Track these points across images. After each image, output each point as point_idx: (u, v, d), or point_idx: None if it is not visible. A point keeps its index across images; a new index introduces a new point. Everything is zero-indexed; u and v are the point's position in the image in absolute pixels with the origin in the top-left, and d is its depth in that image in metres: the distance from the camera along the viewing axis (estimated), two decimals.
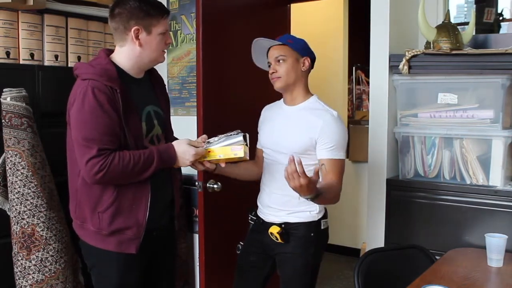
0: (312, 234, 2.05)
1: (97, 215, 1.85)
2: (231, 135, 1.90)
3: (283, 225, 2.05)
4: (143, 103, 1.93)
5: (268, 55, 2.09)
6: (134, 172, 1.78)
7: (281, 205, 2.07)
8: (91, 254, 1.95)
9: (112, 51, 1.94)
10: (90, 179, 1.77)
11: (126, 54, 1.88)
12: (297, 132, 2.02)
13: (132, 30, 1.83)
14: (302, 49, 2.07)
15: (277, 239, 2.04)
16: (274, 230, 2.04)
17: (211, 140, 1.93)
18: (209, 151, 1.91)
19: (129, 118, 1.82)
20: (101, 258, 1.92)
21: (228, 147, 1.88)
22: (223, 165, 1.95)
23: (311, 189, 1.72)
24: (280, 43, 2.04)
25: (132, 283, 1.95)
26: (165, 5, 2.95)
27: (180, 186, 2.24)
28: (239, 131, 1.91)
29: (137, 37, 1.84)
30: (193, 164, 1.92)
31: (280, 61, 2.03)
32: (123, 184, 1.83)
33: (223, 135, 1.92)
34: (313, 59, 2.12)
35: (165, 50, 1.95)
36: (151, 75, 2.04)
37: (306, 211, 2.05)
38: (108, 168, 1.74)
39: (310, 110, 2.05)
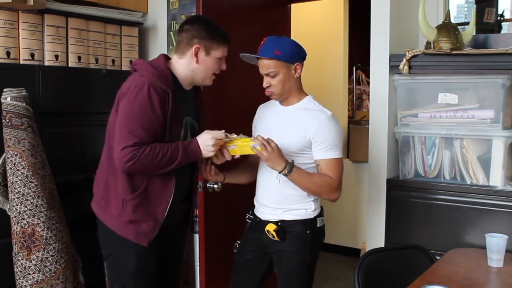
0: (308, 232, 2.06)
1: (122, 202, 1.95)
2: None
3: (279, 223, 2.06)
4: (185, 112, 2.04)
5: (259, 64, 2.06)
6: (161, 163, 1.88)
7: (276, 203, 2.08)
8: (110, 241, 2.02)
9: (169, 57, 2.09)
10: (120, 165, 1.87)
11: (183, 66, 2.02)
12: (292, 132, 2.03)
13: (194, 47, 1.98)
14: (291, 57, 2.02)
15: (273, 237, 2.05)
16: (271, 228, 2.05)
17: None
18: (231, 140, 1.97)
19: (172, 122, 1.94)
20: (121, 245, 1.99)
21: (248, 138, 1.95)
22: (237, 156, 1.99)
23: (281, 155, 1.93)
24: (267, 57, 2.00)
25: (148, 271, 2.03)
26: (168, 7, 2.98)
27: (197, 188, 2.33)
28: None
29: (196, 54, 1.99)
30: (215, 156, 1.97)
31: (271, 75, 2.02)
32: (152, 175, 1.93)
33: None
34: (303, 58, 2.08)
35: (215, 75, 2.07)
36: (196, 91, 2.17)
37: (302, 209, 2.06)
38: (138, 157, 1.84)
39: (305, 110, 2.06)
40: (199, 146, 1.93)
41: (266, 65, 2.02)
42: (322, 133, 1.99)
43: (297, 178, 1.98)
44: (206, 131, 1.96)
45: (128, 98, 1.88)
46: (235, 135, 1.98)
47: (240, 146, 1.96)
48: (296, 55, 2.04)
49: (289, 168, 1.95)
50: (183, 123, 2.04)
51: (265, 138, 1.91)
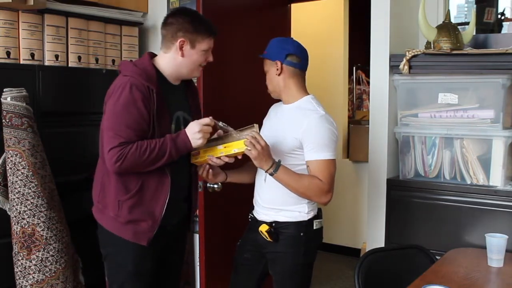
0: (301, 234, 2.04)
1: (117, 203, 1.95)
2: (245, 128, 1.95)
3: (273, 224, 2.06)
4: (175, 107, 2.04)
5: None
6: (149, 159, 1.87)
7: (270, 204, 2.08)
8: (109, 242, 2.02)
9: (155, 54, 2.07)
10: (110, 166, 1.87)
11: (168, 61, 2.01)
12: (286, 132, 2.03)
13: (178, 41, 1.96)
14: (272, 54, 2.06)
15: (266, 237, 2.05)
16: (263, 228, 2.05)
17: (229, 130, 1.97)
18: (225, 146, 1.95)
19: (161, 118, 1.93)
20: (118, 246, 1.99)
21: (241, 141, 1.91)
22: (239, 157, 1.99)
23: (269, 154, 1.92)
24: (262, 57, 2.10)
25: (146, 273, 2.03)
26: (168, 6, 2.98)
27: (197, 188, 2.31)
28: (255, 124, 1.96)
29: (181, 48, 1.97)
30: (211, 160, 1.97)
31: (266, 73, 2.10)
32: (146, 174, 1.92)
33: (238, 130, 1.96)
34: (293, 56, 2.04)
35: (202, 66, 2.05)
36: (188, 85, 2.15)
37: (295, 211, 2.05)
38: (126, 156, 1.83)
39: (300, 110, 2.05)
40: (187, 136, 1.91)
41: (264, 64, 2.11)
42: (311, 133, 1.97)
43: (284, 178, 1.96)
44: (194, 121, 1.95)
45: (112, 99, 1.89)
46: (223, 123, 1.96)
47: (239, 153, 1.94)
48: (275, 53, 2.06)
49: (275, 167, 1.94)
50: (174, 118, 2.02)
51: (254, 136, 1.89)
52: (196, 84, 2.68)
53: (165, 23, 2.01)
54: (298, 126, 1.99)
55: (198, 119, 2.12)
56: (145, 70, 1.93)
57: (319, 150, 1.97)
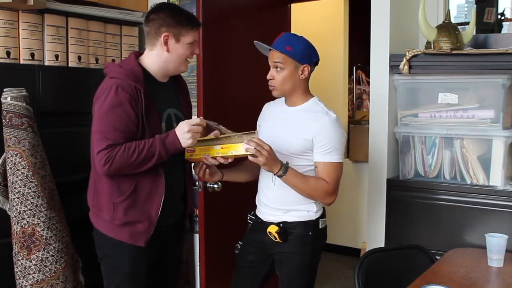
0: (310, 233, 2.05)
1: (112, 205, 1.94)
2: (244, 133, 1.93)
3: (281, 224, 2.05)
4: (165, 105, 2.02)
5: (269, 56, 2.06)
6: (138, 160, 1.85)
7: (278, 204, 2.07)
8: (104, 244, 2.02)
9: (141, 53, 2.04)
10: (100, 169, 1.87)
11: (154, 58, 1.99)
12: (295, 133, 2.02)
13: (162, 36, 1.94)
14: (301, 57, 2.01)
15: (275, 238, 2.04)
16: (273, 229, 2.04)
17: (221, 129, 1.96)
18: (222, 147, 1.94)
19: (150, 117, 1.91)
20: (114, 248, 1.99)
21: (240, 144, 1.90)
22: (230, 160, 1.96)
23: (276, 157, 1.91)
24: (278, 50, 1.99)
25: (142, 274, 2.02)
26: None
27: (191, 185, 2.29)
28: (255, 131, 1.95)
29: (166, 43, 1.95)
30: (206, 159, 1.94)
31: (278, 68, 2.01)
32: (140, 175, 1.91)
33: (238, 133, 1.94)
34: (315, 63, 2.08)
35: (189, 60, 2.03)
36: (176, 80, 2.13)
37: (304, 211, 2.05)
38: (114, 159, 1.83)
39: (309, 112, 2.05)
40: (177, 137, 1.88)
41: (276, 56, 2.01)
42: (324, 136, 1.98)
43: (292, 180, 1.97)
44: (184, 120, 1.93)
45: (98, 102, 1.89)
46: (214, 123, 1.94)
47: (234, 155, 1.93)
48: (307, 56, 2.03)
49: (284, 170, 1.94)
50: (165, 116, 2.01)
51: (258, 143, 1.87)
52: (196, 84, 2.69)
53: (147, 20, 1.98)
54: (310, 128, 1.99)
55: (189, 114, 2.12)
56: (131, 71, 1.91)
57: (330, 153, 1.98)
